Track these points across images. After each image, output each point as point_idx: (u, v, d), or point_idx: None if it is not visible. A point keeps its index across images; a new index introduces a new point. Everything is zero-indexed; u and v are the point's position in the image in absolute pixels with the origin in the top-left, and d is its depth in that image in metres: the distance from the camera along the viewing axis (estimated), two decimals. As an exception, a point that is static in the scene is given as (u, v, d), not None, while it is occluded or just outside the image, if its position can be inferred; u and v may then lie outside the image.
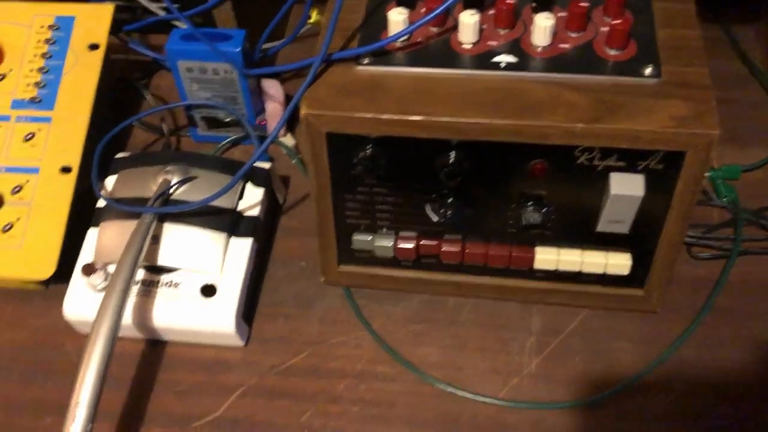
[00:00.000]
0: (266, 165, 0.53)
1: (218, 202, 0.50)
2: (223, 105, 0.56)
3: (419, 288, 0.50)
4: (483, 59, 0.43)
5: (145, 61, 0.66)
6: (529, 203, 0.44)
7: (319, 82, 0.43)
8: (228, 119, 0.58)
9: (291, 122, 0.61)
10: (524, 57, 0.42)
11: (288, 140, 0.59)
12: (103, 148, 0.53)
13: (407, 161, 0.43)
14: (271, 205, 0.55)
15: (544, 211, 0.44)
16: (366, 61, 0.43)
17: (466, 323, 0.50)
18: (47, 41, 0.57)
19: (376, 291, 0.52)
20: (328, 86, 0.43)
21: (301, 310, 0.52)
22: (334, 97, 0.42)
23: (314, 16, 0.60)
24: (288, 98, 0.59)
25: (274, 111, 0.58)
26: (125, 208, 0.49)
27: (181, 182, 0.50)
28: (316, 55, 0.43)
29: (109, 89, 0.58)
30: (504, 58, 0.42)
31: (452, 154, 0.42)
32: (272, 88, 0.57)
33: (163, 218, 0.49)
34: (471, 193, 0.44)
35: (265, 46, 0.58)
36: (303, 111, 0.42)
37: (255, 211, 0.52)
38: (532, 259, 0.47)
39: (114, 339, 0.43)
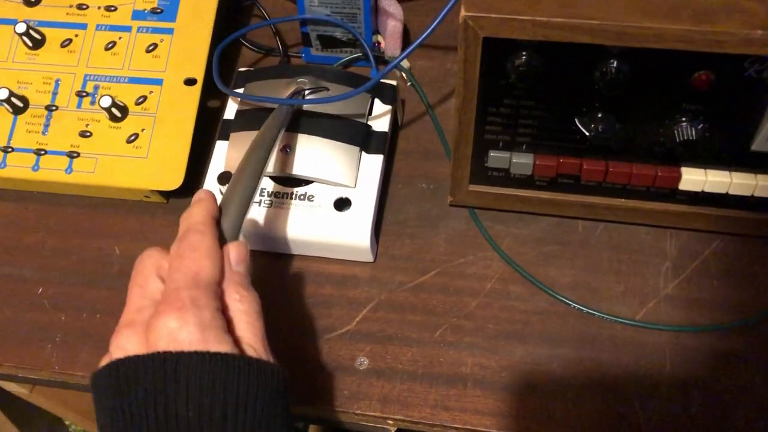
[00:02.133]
0: (393, 82, 0.52)
1: (350, 116, 0.49)
2: (343, 22, 0.55)
3: (552, 209, 0.49)
4: (648, -35, 0.41)
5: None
6: (683, 119, 0.43)
7: (475, -14, 0.41)
8: (345, 38, 0.57)
9: (407, 45, 0.60)
10: (691, -37, 0.41)
11: (405, 63, 0.58)
12: (219, 64, 0.52)
13: (563, 70, 0.42)
14: (394, 125, 0.54)
15: (699, 127, 0.43)
16: (524, -36, 0.42)
17: (598, 246, 0.49)
18: (165, -48, 0.56)
19: (502, 213, 0.51)
20: (486, -10, 0.41)
21: (425, 230, 0.51)
22: (494, 0, 0.41)
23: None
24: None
25: (394, 29, 0.56)
26: (264, 99, 0.49)
27: (313, 92, 0.49)
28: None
29: (224, 8, 0.57)
30: (670, -36, 0.41)
31: (614, 63, 0.41)
32: (391, 6, 0.56)
33: (296, 129, 0.48)
34: (625, 106, 0.43)
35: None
36: (462, 13, 0.40)
37: (384, 128, 0.51)
38: (678, 179, 0.45)
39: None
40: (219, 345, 0.32)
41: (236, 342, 0.34)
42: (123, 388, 0.31)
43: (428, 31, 0.45)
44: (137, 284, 0.36)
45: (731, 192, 0.46)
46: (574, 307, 0.47)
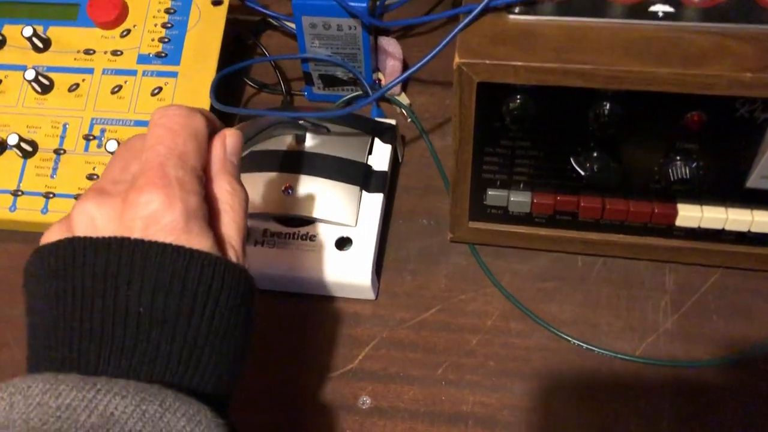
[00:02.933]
0: (392, 122, 0.53)
1: (350, 156, 0.50)
2: (343, 62, 0.56)
3: (551, 246, 0.50)
4: (638, 9, 0.42)
5: (251, 21, 0.66)
6: (677, 158, 0.44)
7: (469, 31, 0.42)
8: (346, 77, 0.58)
9: (407, 83, 0.61)
10: (681, 7, 0.41)
11: (403, 99, 0.59)
12: (220, 97, 0.53)
13: (557, 112, 0.43)
14: (394, 162, 0.55)
15: (694, 165, 0.43)
16: (517, 10, 0.43)
17: (597, 281, 0.50)
18: (170, -3, 0.57)
19: (502, 249, 0.52)
20: (480, 35, 0.42)
21: (426, 267, 0.52)
22: (487, 46, 0.41)
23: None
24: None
25: (393, 68, 0.57)
26: (262, 112, 0.50)
27: (314, 131, 0.50)
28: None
29: (226, 48, 0.59)
30: (660, 8, 0.41)
31: (607, 105, 0.41)
32: (391, 45, 0.57)
33: (298, 170, 0.49)
34: (619, 146, 0.44)
35: (388, 1, 0.58)
36: (456, 60, 0.41)
37: (384, 167, 0.52)
38: (674, 216, 0.46)
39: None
40: (201, 238, 0.29)
41: (216, 238, 0.31)
42: (70, 271, 0.27)
43: (419, 65, 0.44)
44: (122, 158, 0.32)
45: (727, 228, 0.46)
46: (574, 343, 0.47)
